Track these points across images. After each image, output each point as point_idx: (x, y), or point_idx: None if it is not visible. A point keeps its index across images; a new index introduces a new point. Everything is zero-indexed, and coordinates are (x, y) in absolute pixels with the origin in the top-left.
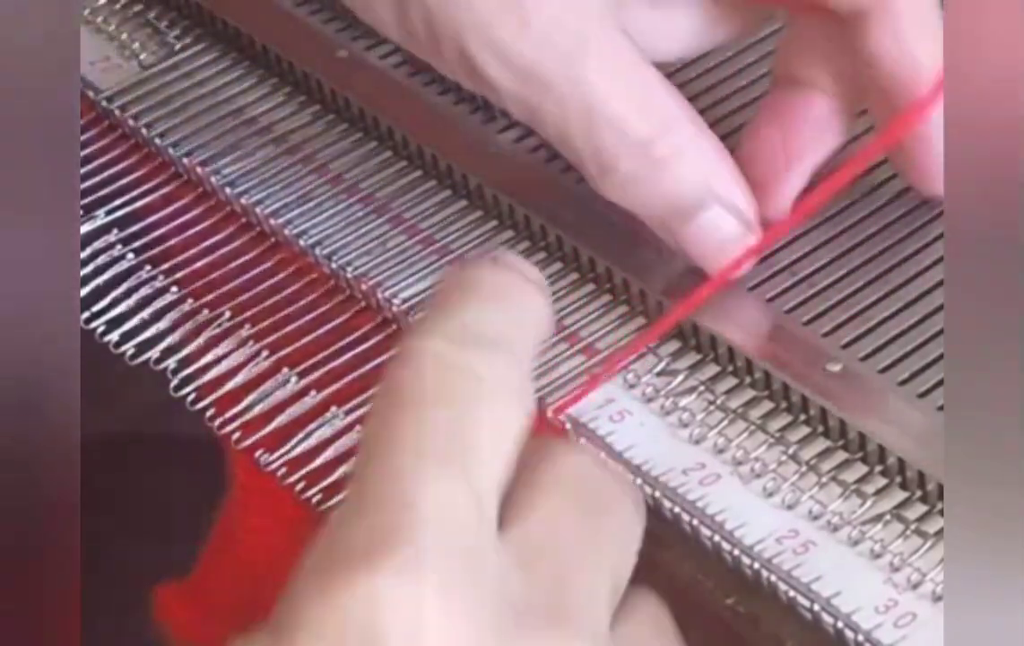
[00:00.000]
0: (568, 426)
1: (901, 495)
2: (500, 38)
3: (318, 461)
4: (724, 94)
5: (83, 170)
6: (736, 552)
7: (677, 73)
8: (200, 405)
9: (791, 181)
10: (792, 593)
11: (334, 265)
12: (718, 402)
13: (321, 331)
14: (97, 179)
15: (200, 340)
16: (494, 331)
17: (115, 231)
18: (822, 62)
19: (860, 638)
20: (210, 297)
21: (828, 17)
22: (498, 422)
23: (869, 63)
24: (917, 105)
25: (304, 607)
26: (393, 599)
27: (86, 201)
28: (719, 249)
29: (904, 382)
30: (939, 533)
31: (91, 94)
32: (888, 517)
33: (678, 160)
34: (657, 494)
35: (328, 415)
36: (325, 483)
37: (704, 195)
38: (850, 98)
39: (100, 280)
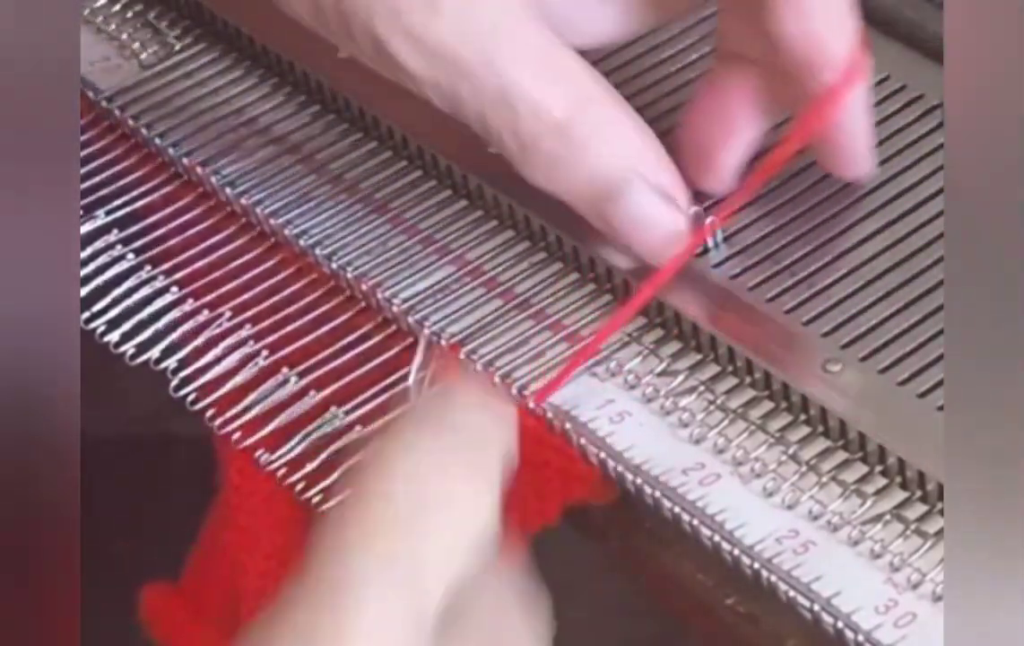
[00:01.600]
0: (549, 414)
1: (901, 495)
2: (411, 23)
3: (318, 461)
4: (655, 79)
5: (83, 170)
6: (736, 552)
7: (605, 59)
8: (200, 405)
9: (731, 153)
10: (792, 593)
11: (334, 265)
12: (718, 402)
13: (321, 331)
14: (97, 179)
15: (200, 340)
16: (456, 445)
17: (115, 231)
18: (756, 36)
19: (860, 638)
20: (210, 297)
21: None
22: (454, 537)
23: (777, 46)
24: (830, 92)
25: None
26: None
27: (86, 201)
28: (648, 230)
29: (904, 382)
30: (939, 533)
31: (91, 94)
32: (888, 517)
33: (598, 139)
34: (657, 494)
35: (328, 415)
36: (325, 483)
37: (628, 175)
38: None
39: (100, 280)
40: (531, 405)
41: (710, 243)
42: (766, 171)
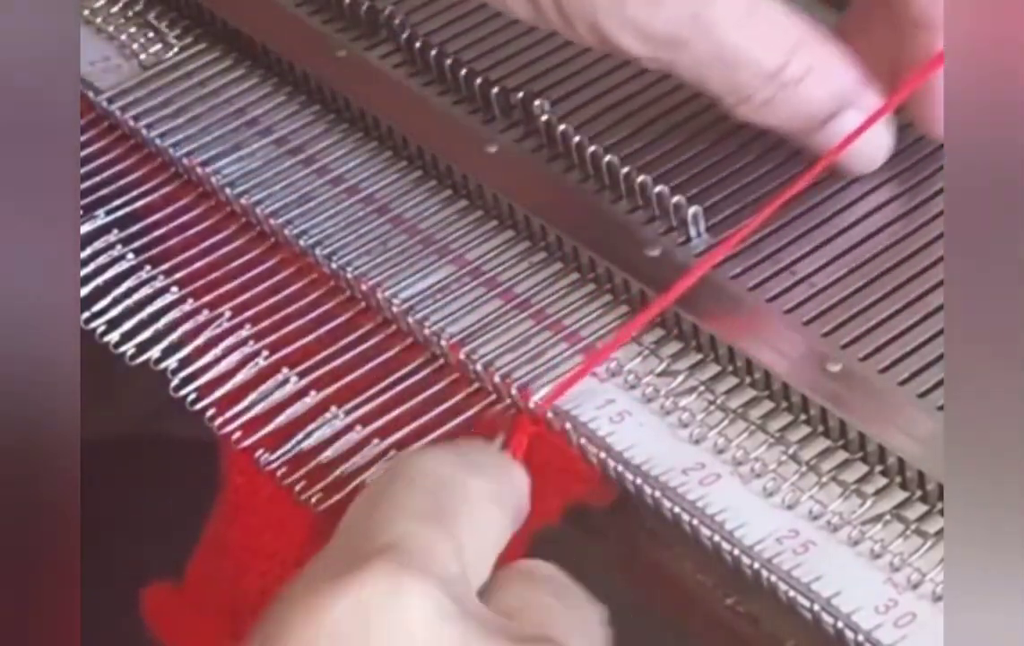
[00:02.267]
0: (551, 416)
1: (901, 495)
2: (635, 15)
3: (318, 461)
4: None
5: (83, 170)
6: (736, 552)
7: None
8: (200, 405)
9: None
10: (792, 593)
11: (334, 265)
12: (718, 402)
13: (321, 331)
14: (97, 179)
15: (200, 340)
16: (482, 461)
17: (115, 231)
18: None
19: (860, 638)
20: (210, 297)
21: None
22: (479, 520)
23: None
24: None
25: (290, 620)
26: (379, 605)
27: (86, 201)
28: (857, 147)
29: (904, 382)
30: (939, 533)
31: (91, 94)
32: (888, 517)
33: (809, 78)
34: (657, 494)
35: (328, 415)
36: (325, 483)
37: (837, 104)
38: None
39: (100, 280)
40: (531, 406)
41: (692, 232)
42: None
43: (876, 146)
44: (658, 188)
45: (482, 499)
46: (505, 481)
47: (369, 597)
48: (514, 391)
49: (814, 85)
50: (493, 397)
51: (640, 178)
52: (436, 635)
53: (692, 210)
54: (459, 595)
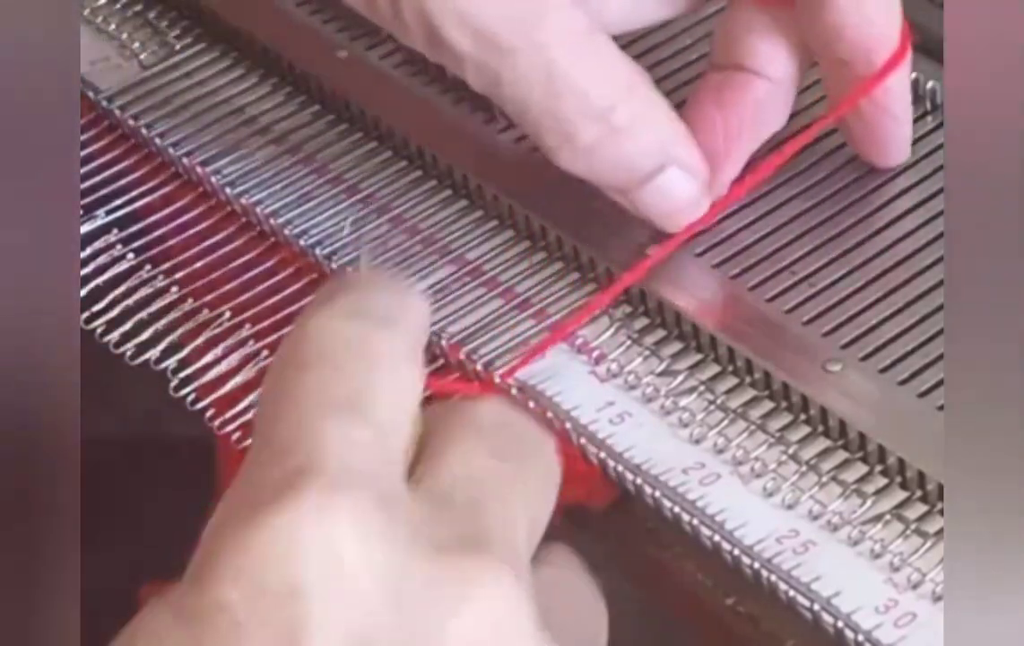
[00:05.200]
0: (549, 414)
1: (901, 495)
2: (464, 7)
3: None
4: (667, 71)
5: (83, 170)
6: (736, 552)
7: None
8: (200, 405)
9: (731, 161)
10: (792, 593)
11: (334, 265)
12: (718, 402)
13: None
14: (97, 179)
15: (200, 340)
16: (382, 311)
17: (115, 231)
18: (765, 47)
19: (860, 638)
20: (210, 297)
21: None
22: (393, 382)
23: (829, 35)
24: (877, 74)
25: (220, 551)
26: (308, 534)
27: (86, 201)
28: (677, 208)
29: (904, 382)
30: (939, 533)
31: (91, 94)
32: (888, 517)
33: (638, 126)
34: (657, 494)
35: None
36: None
37: (662, 159)
38: (791, 81)
39: (100, 280)
40: (497, 380)
41: None
42: (789, 152)
43: (902, 137)
44: None
45: (395, 359)
46: (412, 322)
47: (298, 533)
48: (515, 392)
49: (642, 135)
50: None
51: None
52: (366, 558)
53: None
54: (388, 498)
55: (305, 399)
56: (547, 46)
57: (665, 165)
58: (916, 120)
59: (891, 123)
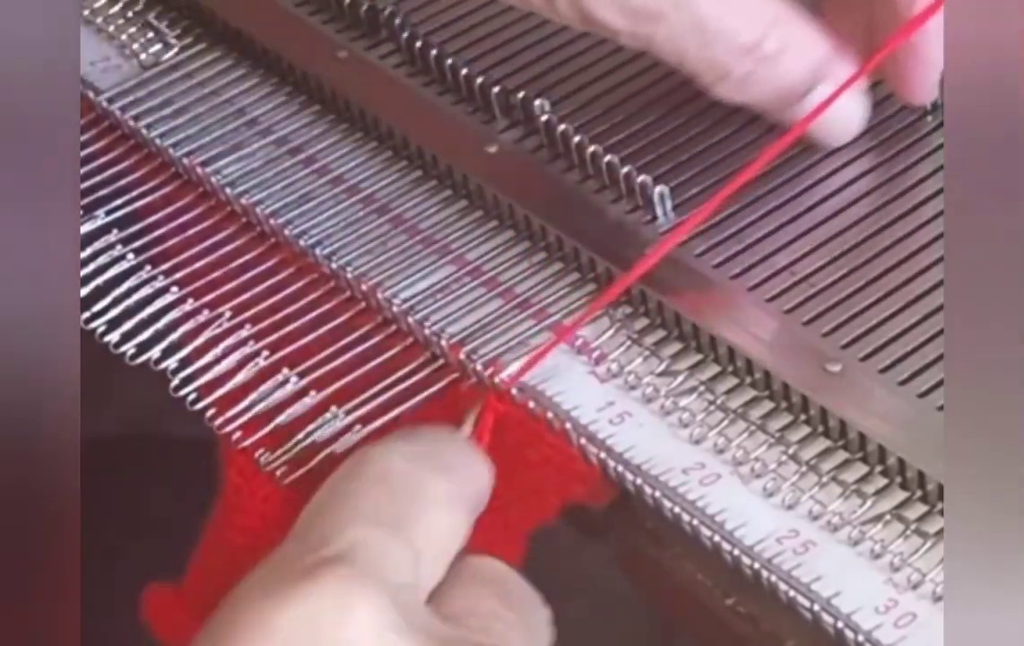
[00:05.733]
0: (549, 414)
1: (901, 495)
2: None
3: (317, 460)
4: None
5: (83, 170)
6: (736, 552)
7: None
8: (200, 405)
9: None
10: (792, 593)
11: (334, 265)
12: (718, 402)
13: (321, 331)
14: (97, 179)
15: (200, 340)
16: (446, 460)
17: (115, 231)
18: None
19: (860, 638)
20: (210, 297)
21: None
22: (438, 522)
23: None
24: (917, 18)
25: (241, 619)
26: (327, 618)
27: (86, 201)
28: (829, 119)
29: (904, 382)
30: (939, 533)
31: (91, 94)
32: (888, 517)
33: (785, 53)
34: (657, 494)
35: (328, 415)
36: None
37: (812, 77)
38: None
39: (100, 280)
40: (497, 381)
41: (658, 211)
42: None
43: (849, 116)
44: (658, 188)
45: (441, 501)
46: (467, 478)
47: (318, 607)
48: (515, 392)
49: (791, 60)
50: None
51: (640, 179)
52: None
53: (657, 189)
54: (408, 605)
55: (353, 508)
56: (694, 4)
57: (816, 82)
58: (916, 120)
59: (922, 64)
